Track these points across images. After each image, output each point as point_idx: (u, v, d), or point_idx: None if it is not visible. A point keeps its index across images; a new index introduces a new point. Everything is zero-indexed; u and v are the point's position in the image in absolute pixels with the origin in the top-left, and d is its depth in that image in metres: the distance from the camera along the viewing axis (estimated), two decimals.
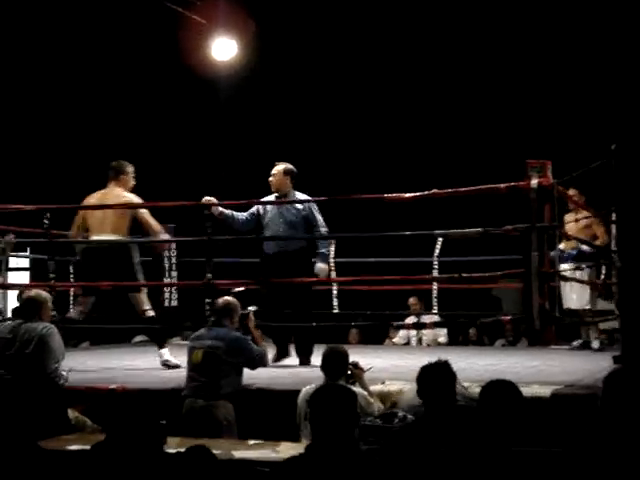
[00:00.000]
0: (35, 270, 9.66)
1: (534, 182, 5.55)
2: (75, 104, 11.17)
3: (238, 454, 4.33)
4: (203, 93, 11.34)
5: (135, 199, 6.99)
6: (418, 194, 6.17)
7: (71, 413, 5.46)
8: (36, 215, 7.49)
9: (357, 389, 4.82)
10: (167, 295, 9.29)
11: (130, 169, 7.12)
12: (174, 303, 9.33)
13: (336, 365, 5.04)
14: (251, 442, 4.83)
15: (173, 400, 5.33)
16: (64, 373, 5.65)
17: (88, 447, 3.96)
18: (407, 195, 6.21)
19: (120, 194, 6.96)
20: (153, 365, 7.06)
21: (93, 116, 11.34)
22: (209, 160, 11.49)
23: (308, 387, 5.05)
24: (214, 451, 3.43)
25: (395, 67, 11.11)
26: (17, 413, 5.04)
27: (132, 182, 7.12)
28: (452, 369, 4.09)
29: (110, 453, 3.45)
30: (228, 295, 6.06)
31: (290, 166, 7.05)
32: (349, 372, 5.12)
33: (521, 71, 10.63)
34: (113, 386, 5.81)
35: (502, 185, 5.82)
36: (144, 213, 6.94)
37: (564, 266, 7.33)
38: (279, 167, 7.04)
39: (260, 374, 5.74)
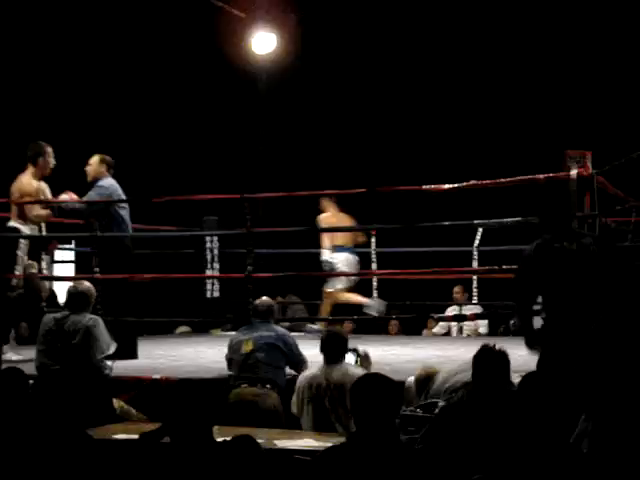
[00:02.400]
0: (80, 263, 9.77)
1: (573, 172, 5.55)
2: (119, 97, 11.29)
3: (280, 443, 4.39)
4: (243, 87, 11.40)
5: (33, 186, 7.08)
6: (457, 185, 6.19)
7: (116, 403, 5.56)
8: None
9: None
10: (209, 287, 9.37)
11: (47, 150, 7.16)
12: (216, 294, 9.41)
13: (335, 348, 5.13)
14: (293, 432, 4.89)
15: (216, 389, 5.42)
16: (109, 363, 5.73)
17: (134, 436, 4.07)
18: (446, 186, 6.24)
19: (24, 181, 7.09)
20: (196, 355, 7.16)
21: (134, 110, 11.44)
22: (249, 153, 11.56)
23: (307, 372, 5.21)
24: (257, 440, 3.49)
25: (434, 57, 11.07)
26: (65, 403, 5.15)
27: (50, 165, 7.17)
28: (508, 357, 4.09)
29: (160, 442, 3.54)
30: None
31: (106, 156, 7.18)
32: (357, 361, 5.22)
33: (561, 60, 10.56)
34: (157, 376, 5.90)
35: (541, 176, 5.82)
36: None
37: None
38: (95, 157, 7.17)
39: None
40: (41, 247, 7.21)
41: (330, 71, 11.27)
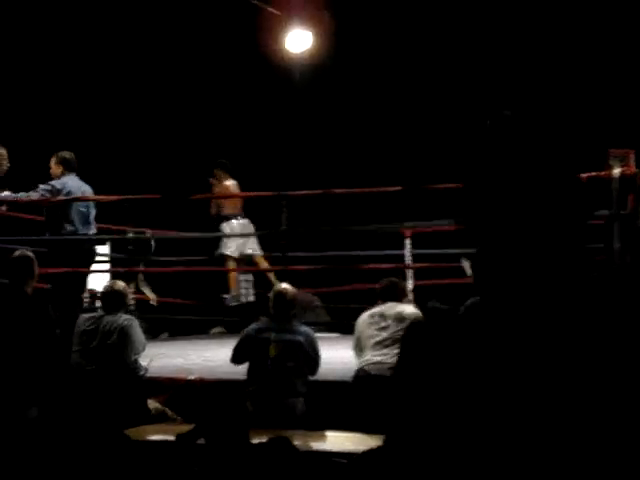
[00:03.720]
0: (115, 263, 9.78)
1: (616, 171, 5.44)
2: (154, 97, 11.33)
3: (316, 445, 4.34)
4: (278, 84, 11.38)
5: None
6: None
7: (151, 404, 5.54)
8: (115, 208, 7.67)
9: None
10: (244, 291, 9.30)
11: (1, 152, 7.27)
12: (251, 299, 9.36)
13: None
14: (327, 434, 4.83)
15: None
16: (144, 364, 5.71)
17: (170, 438, 4.03)
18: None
19: None
20: (227, 356, 7.12)
21: (168, 108, 11.48)
22: (284, 151, 11.53)
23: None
24: (294, 442, 3.44)
25: (469, 55, 10.97)
26: (101, 403, 5.14)
27: (3, 166, 7.26)
28: None
29: (197, 443, 3.50)
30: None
31: (64, 154, 7.23)
32: None
33: (602, 60, 10.40)
34: (191, 377, 5.86)
35: (583, 175, 5.70)
36: None
37: None
38: (52, 158, 7.28)
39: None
40: None
41: (364, 68, 11.22)
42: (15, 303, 5.36)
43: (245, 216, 9.12)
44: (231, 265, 8.92)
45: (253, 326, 5.65)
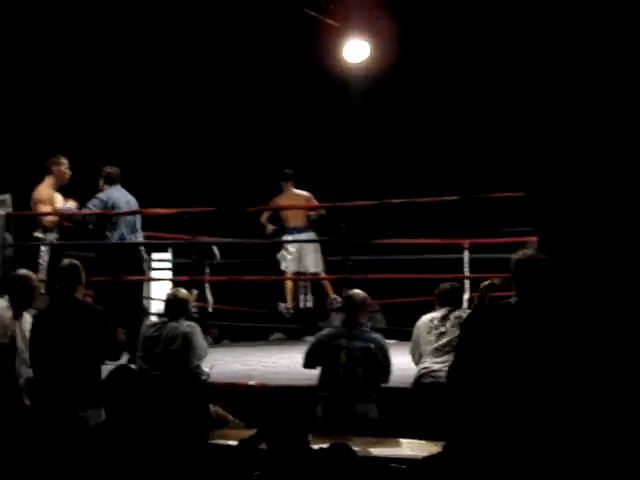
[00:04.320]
0: (176, 270, 9.95)
1: None
2: (217, 108, 11.48)
3: (375, 451, 4.39)
4: (337, 96, 11.45)
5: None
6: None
7: (213, 409, 5.64)
8: (176, 218, 7.86)
9: None
10: (302, 297, 9.38)
11: (63, 161, 7.62)
12: (309, 304, 9.43)
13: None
14: (387, 440, 4.89)
15: (311, 397, 5.42)
16: (206, 370, 5.82)
17: (232, 442, 4.13)
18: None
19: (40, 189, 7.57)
20: (290, 362, 7.21)
21: (228, 119, 11.62)
22: (342, 162, 11.59)
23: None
24: (353, 448, 3.51)
25: (535, 62, 10.86)
26: (166, 409, 5.26)
27: (66, 175, 7.62)
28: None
29: (259, 448, 3.58)
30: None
31: (106, 169, 7.60)
32: None
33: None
34: (252, 383, 5.95)
35: None
36: None
37: None
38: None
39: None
40: None
41: (424, 78, 11.21)
42: (68, 308, 5.52)
43: (311, 228, 9.02)
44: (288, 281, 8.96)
45: (325, 332, 5.74)
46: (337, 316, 8.21)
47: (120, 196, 7.58)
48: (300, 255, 8.92)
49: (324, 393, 5.43)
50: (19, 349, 5.57)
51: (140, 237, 7.70)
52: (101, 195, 7.53)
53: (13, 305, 5.71)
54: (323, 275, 8.97)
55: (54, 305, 5.69)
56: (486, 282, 5.35)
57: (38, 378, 5.42)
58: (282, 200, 9.06)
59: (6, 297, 5.80)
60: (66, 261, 5.79)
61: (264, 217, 9.22)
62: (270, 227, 9.14)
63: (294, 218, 9.00)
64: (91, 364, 5.36)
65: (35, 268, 7.09)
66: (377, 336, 5.62)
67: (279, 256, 9.00)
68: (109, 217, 7.45)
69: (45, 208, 7.55)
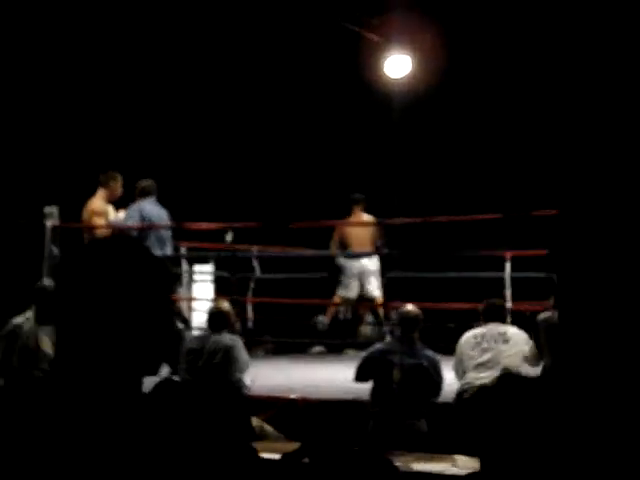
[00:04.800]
0: (218, 283, 10.02)
1: None
2: (261, 123, 11.57)
3: (418, 466, 4.41)
4: (378, 111, 11.47)
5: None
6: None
7: (255, 421, 5.68)
8: (218, 231, 7.96)
9: None
10: (342, 308, 9.45)
11: (118, 178, 7.79)
12: (348, 315, 9.49)
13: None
14: (430, 455, 4.90)
15: (353, 412, 5.44)
16: (248, 383, 5.87)
17: (275, 456, 4.17)
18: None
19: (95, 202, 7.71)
20: (331, 376, 7.25)
21: (272, 133, 11.70)
22: (383, 179, 11.60)
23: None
24: (395, 463, 3.54)
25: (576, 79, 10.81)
26: (209, 421, 5.31)
27: (118, 192, 7.77)
28: None
29: (302, 462, 3.62)
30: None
31: (140, 182, 7.73)
32: None
33: None
34: (294, 396, 5.99)
35: None
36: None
37: None
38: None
39: None
40: None
41: (467, 94, 11.20)
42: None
43: (376, 254, 9.00)
44: (336, 299, 9.05)
45: (378, 347, 5.82)
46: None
47: (152, 209, 7.69)
48: (362, 280, 8.96)
49: (376, 409, 5.45)
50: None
51: (169, 251, 7.77)
52: (134, 207, 7.67)
53: (37, 318, 5.77)
54: (380, 300, 8.99)
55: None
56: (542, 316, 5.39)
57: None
58: (350, 224, 9.13)
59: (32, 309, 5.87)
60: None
61: (334, 242, 9.24)
62: (337, 252, 9.19)
63: (360, 242, 9.03)
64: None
65: None
66: (430, 353, 5.66)
67: (340, 283, 9.03)
68: (140, 230, 7.55)
69: (100, 220, 7.67)
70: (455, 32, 10.42)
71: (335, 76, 11.17)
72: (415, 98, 10.92)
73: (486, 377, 5.26)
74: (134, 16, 10.11)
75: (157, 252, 7.57)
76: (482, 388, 5.17)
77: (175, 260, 7.93)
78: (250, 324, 9.42)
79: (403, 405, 5.37)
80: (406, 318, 5.75)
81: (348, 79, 10.92)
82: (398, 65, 10.25)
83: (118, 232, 7.80)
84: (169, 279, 5.41)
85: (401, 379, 5.44)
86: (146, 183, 7.76)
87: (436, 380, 5.52)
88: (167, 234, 7.75)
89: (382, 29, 9.78)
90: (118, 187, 7.77)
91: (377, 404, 5.48)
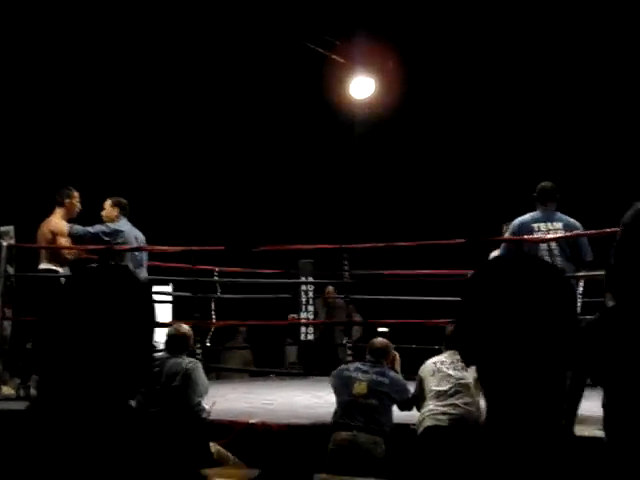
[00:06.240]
0: (177, 303, 9.92)
1: None
2: (220, 146, 11.52)
3: None
4: (342, 133, 11.48)
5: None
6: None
7: (213, 447, 5.57)
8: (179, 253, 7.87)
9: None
10: (303, 329, 9.40)
11: (74, 194, 7.61)
12: (310, 337, 9.43)
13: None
14: None
15: (314, 435, 5.38)
16: (207, 407, 5.77)
17: None
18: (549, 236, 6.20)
19: (55, 222, 7.51)
20: (290, 399, 7.17)
21: (236, 158, 11.66)
22: (346, 199, 11.60)
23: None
24: None
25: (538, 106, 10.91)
26: (164, 446, 5.21)
27: (76, 208, 7.61)
28: None
29: None
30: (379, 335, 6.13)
31: (120, 199, 7.61)
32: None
33: None
34: (253, 421, 5.90)
35: None
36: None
37: None
38: (107, 201, 7.65)
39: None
40: None
41: (427, 115, 11.24)
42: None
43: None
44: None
45: (344, 366, 5.83)
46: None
47: (130, 230, 7.63)
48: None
49: (334, 420, 5.44)
50: None
51: (144, 272, 7.68)
52: (112, 225, 7.56)
53: None
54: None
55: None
56: None
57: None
58: None
59: None
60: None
61: None
62: None
63: None
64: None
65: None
66: (393, 373, 5.71)
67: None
68: (116, 250, 7.45)
69: (64, 241, 7.53)
70: (416, 56, 10.48)
71: (299, 96, 11.17)
72: (378, 119, 10.95)
73: (445, 408, 5.22)
74: (98, 46, 10.06)
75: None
76: (437, 428, 5.14)
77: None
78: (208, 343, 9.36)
79: (361, 420, 5.34)
80: (375, 346, 5.78)
81: (312, 99, 10.92)
82: (362, 86, 10.27)
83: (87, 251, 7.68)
84: (153, 304, 5.33)
85: (361, 393, 5.44)
86: (125, 201, 7.70)
87: (399, 399, 5.54)
88: (143, 255, 7.68)
89: (347, 51, 9.81)
90: (75, 203, 7.63)
91: (336, 416, 5.47)
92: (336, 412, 5.50)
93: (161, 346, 5.76)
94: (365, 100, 10.44)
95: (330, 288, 9.71)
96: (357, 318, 9.78)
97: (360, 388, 5.47)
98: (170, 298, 10.32)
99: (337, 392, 5.60)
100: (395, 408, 5.58)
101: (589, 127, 10.59)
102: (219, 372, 9.73)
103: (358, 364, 5.76)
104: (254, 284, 9.78)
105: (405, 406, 5.62)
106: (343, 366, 5.85)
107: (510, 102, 10.89)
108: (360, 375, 5.56)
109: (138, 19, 10.08)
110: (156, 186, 11.11)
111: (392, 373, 5.67)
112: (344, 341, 8.79)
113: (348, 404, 5.46)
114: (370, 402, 5.41)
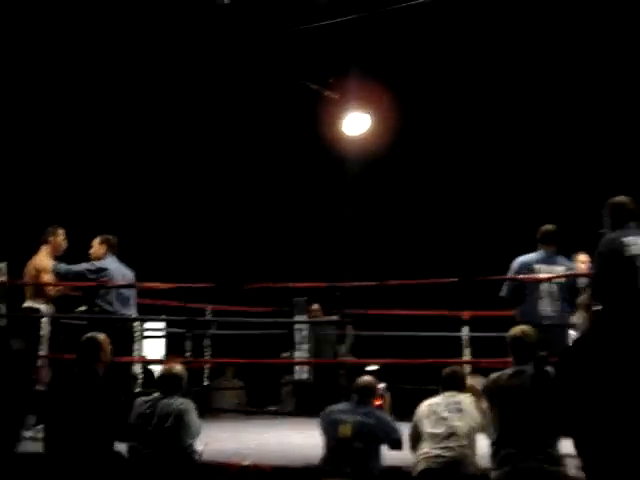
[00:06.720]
0: (170, 340, 9.88)
1: None
2: (211, 182, 11.53)
3: None
4: (334, 169, 11.50)
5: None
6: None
7: None
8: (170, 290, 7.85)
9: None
10: (298, 368, 9.34)
11: (59, 232, 7.64)
12: (304, 376, 9.37)
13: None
14: None
15: (307, 478, 5.34)
16: (199, 448, 5.72)
17: None
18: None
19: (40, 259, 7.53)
20: (283, 440, 7.11)
21: (229, 195, 11.67)
22: (339, 236, 11.58)
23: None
24: None
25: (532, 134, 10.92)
26: None
27: (62, 246, 7.64)
28: None
29: None
30: (363, 372, 6.09)
31: (108, 237, 7.62)
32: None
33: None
34: (246, 463, 5.85)
35: None
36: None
37: None
38: (96, 239, 7.66)
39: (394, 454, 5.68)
40: None
41: (422, 153, 11.27)
42: (85, 384, 5.49)
43: None
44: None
45: (331, 407, 5.72)
46: None
47: (116, 268, 7.60)
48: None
49: (326, 467, 5.39)
50: None
51: (133, 311, 7.65)
52: (98, 263, 7.54)
53: None
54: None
55: (65, 379, 5.65)
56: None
57: (50, 453, 5.38)
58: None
59: None
60: (88, 335, 5.75)
61: None
62: None
63: None
64: (104, 443, 5.35)
65: (35, 340, 7.05)
66: (379, 413, 5.65)
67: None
68: (101, 287, 7.43)
69: (48, 278, 7.51)
70: (410, 93, 10.53)
71: (293, 134, 11.21)
72: (371, 156, 10.98)
73: (440, 450, 5.16)
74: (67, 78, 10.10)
75: (119, 310, 7.43)
76: (431, 471, 5.11)
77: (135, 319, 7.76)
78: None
79: (347, 463, 5.30)
80: (359, 386, 5.72)
81: (306, 137, 10.95)
82: (355, 123, 10.30)
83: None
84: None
85: (347, 436, 5.37)
86: (113, 238, 7.69)
87: (386, 439, 5.47)
88: (130, 293, 7.63)
89: (341, 88, 9.85)
90: (60, 241, 7.65)
91: (326, 462, 5.42)
92: (324, 456, 5.45)
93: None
94: (358, 137, 10.46)
95: (315, 306, 9.67)
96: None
97: (345, 430, 5.40)
98: (163, 334, 10.32)
99: (324, 434, 5.54)
100: (386, 448, 5.54)
101: (581, 168, 10.63)
102: (210, 411, 9.65)
103: (343, 405, 5.68)
104: (247, 322, 9.75)
105: (395, 446, 5.54)
106: (330, 407, 5.75)
107: (503, 142, 10.94)
108: (345, 416, 5.49)
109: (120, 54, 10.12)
110: (147, 223, 11.11)
111: (378, 413, 5.60)
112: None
113: (334, 448, 5.41)
114: (357, 445, 5.34)
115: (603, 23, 9.80)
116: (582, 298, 5.93)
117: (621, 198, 5.39)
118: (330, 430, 5.49)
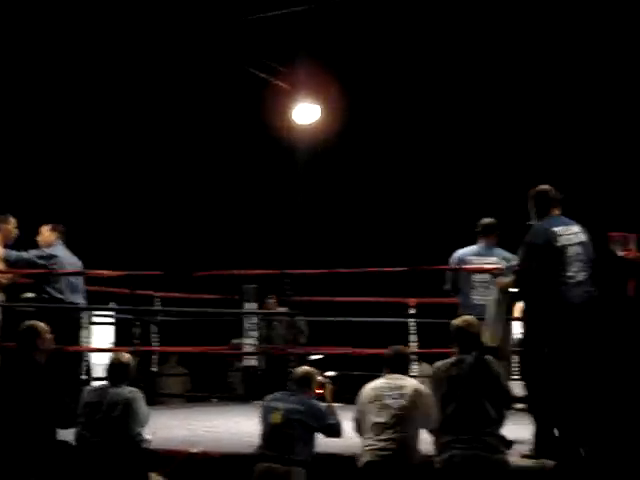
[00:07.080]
0: (119, 327, 9.84)
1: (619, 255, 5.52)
2: (162, 168, 11.47)
3: None
4: (284, 158, 11.51)
5: None
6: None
7: (153, 477, 5.55)
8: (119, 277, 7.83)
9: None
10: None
11: (10, 220, 7.58)
12: (253, 363, 9.43)
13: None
14: None
15: (253, 464, 5.39)
16: (148, 437, 5.73)
17: None
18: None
19: None
20: (232, 426, 7.13)
21: (179, 183, 11.62)
22: (288, 226, 11.61)
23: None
24: None
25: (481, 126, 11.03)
26: (105, 476, 5.18)
27: (12, 234, 7.57)
28: None
29: None
30: (306, 362, 6.12)
31: (57, 225, 7.67)
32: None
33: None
34: (194, 450, 5.87)
35: None
36: None
37: None
38: (44, 227, 7.68)
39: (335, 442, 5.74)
40: None
41: (371, 143, 11.32)
42: (23, 372, 5.46)
43: None
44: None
45: (269, 395, 5.77)
46: None
47: (66, 255, 7.58)
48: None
49: (259, 453, 5.44)
50: None
51: (81, 299, 7.63)
52: (47, 250, 7.52)
53: None
54: None
55: (8, 367, 5.61)
56: None
57: None
58: None
59: None
60: (26, 323, 5.72)
61: None
62: None
63: None
64: (44, 430, 5.33)
65: None
66: (311, 400, 5.65)
67: None
68: (51, 275, 7.39)
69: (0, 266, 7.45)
70: (360, 83, 10.57)
71: (241, 121, 11.19)
72: (322, 145, 11.01)
73: (384, 443, 5.15)
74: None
75: (68, 298, 7.42)
76: (376, 463, 5.14)
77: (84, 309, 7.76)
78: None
79: (278, 449, 5.36)
80: (296, 375, 5.80)
81: (254, 124, 10.95)
82: (305, 113, 10.32)
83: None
84: None
85: (278, 423, 5.43)
86: (62, 227, 7.69)
87: (318, 426, 5.52)
88: (79, 281, 7.63)
89: (291, 78, 9.86)
90: (11, 229, 7.59)
91: (260, 449, 5.48)
92: (259, 443, 5.51)
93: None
94: (308, 126, 10.48)
95: (271, 300, 9.71)
96: (303, 327, 9.73)
97: (275, 418, 5.46)
98: (112, 321, 10.28)
99: (260, 422, 5.60)
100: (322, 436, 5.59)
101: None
102: (158, 398, 9.65)
103: (279, 394, 5.73)
104: (196, 309, 9.75)
105: (329, 432, 5.59)
106: (268, 396, 5.80)
107: (450, 128, 11.04)
108: (277, 404, 5.55)
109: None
110: (94, 211, 11.03)
111: (310, 400, 5.61)
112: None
113: (266, 434, 5.48)
114: (286, 431, 5.40)
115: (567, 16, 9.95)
116: (502, 279, 6.02)
117: (543, 186, 5.51)
118: (264, 417, 5.55)
